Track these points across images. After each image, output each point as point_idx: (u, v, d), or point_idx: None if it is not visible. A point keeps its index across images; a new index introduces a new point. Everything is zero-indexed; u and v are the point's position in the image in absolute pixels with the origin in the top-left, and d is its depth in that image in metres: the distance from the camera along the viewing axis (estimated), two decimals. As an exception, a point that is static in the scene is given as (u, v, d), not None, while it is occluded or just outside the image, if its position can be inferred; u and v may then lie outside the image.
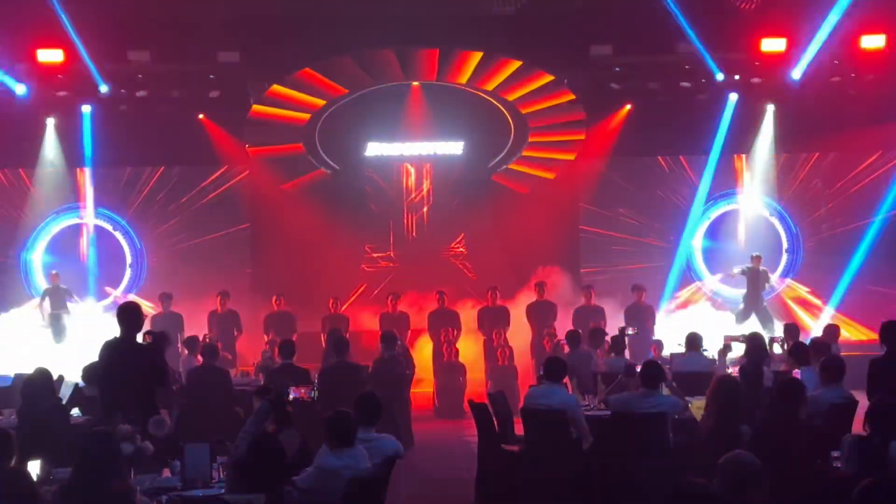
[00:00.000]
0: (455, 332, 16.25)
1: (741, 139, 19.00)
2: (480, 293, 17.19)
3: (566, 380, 9.84)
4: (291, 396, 8.98)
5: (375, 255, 19.25)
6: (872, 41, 17.48)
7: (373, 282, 18.85)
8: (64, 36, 16.86)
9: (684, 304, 18.84)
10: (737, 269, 17.79)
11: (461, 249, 19.23)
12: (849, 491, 4.47)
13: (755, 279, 17.39)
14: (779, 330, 14.88)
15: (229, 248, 18.98)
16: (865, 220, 18.83)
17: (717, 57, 17.84)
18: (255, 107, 18.76)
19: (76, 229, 19.07)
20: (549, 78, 18.60)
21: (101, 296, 18.76)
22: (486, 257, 18.75)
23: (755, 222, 19.38)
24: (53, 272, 17.50)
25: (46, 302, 17.49)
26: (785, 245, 19.31)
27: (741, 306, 17.43)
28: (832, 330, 13.39)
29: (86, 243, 19.03)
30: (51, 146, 18.64)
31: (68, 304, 17.48)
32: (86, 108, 18.12)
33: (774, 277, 18.79)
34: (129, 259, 19.07)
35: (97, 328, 17.20)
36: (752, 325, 16.03)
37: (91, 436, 6.02)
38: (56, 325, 17.25)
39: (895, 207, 18.79)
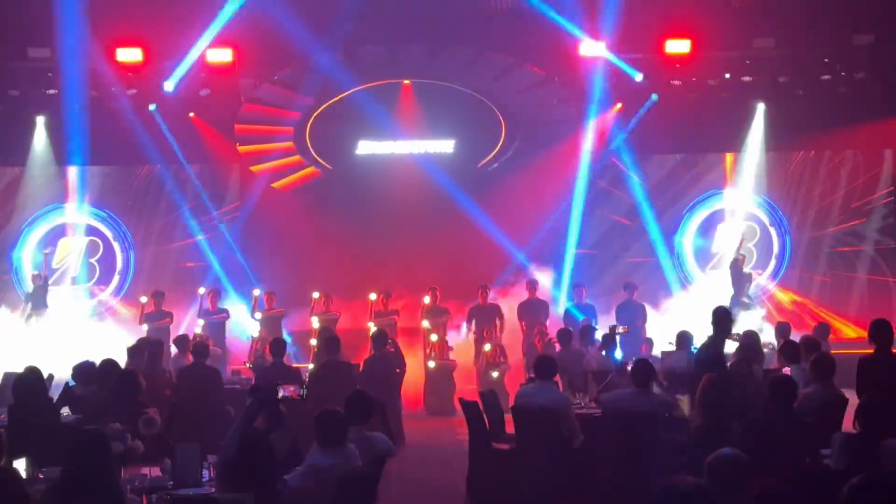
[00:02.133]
0: (447, 329, 16.24)
1: (731, 137, 19.03)
2: (472, 291, 17.14)
3: (557, 378, 9.85)
4: (281, 394, 8.96)
5: (367, 253, 19.18)
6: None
7: (364, 280, 18.79)
8: (53, 34, 16.80)
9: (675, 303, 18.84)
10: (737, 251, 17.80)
11: (453, 248, 19.17)
12: (839, 489, 4.48)
13: (738, 278, 17.34)
14: (769, 329, 14.90)
15: (220, 246, 18.92)
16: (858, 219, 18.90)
17: (707, 55, 17.85)
18: (246, 105, 18.71)
19: (65, 228, 18.99)
20: (540, 75, 18.61)
21: (91, 294, 18.72)
22: (477, 255, 18.70)
23: (744, 221, 19.38)
24: (34, 273, 17.43)
25: (29, 305, 17.35)
26: (776, 245, 19.31)
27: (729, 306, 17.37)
28: (823, 328, 13.39)
29: (74, 242, 18.95)
30: (40, 144, 18.57)
31: (47, 301, 17.28)
32: (75, 106, 18.03)
33: (765, 277, 18.80)
34: (119, 257, 19.02)
35: (84, 326, 17.29)
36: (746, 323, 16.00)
37: (81, 435, 6.00)
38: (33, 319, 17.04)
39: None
